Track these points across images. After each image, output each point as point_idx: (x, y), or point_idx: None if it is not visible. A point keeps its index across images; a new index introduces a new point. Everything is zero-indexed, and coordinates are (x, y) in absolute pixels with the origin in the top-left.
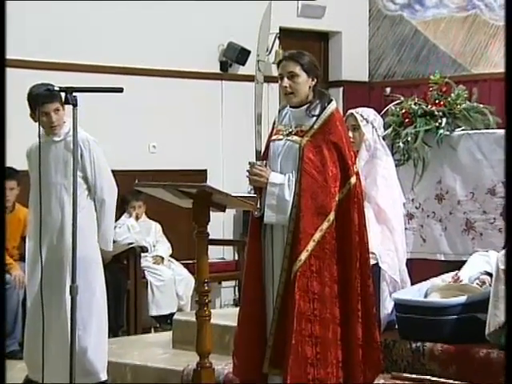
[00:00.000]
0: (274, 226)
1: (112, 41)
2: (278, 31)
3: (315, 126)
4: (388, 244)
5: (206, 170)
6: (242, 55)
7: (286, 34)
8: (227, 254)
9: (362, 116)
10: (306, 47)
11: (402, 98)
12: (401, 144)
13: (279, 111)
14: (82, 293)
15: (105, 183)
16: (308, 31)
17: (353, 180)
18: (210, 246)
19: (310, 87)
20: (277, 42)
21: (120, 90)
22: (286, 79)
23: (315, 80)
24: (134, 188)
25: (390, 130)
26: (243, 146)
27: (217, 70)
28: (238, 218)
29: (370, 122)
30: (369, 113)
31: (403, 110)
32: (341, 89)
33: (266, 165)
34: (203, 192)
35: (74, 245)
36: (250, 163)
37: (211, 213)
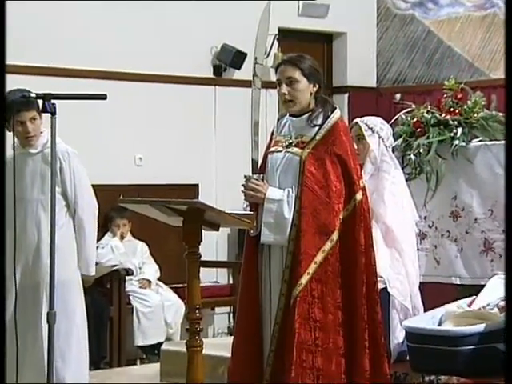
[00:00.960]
0: (271, 246)
1: (94, 43)
2: (276, 32)
3: (317, 137)
4: (397, 267)
5: (197, 185)
6: (237, 58)
7: (285, 35)
8: (221, 277)
9: (367, 125)
10: (308, 50)
11: (414, 106)
12: (412, 156)
13: (278, 120)
14: (61, 320)
15: (85, 199)
16: (310, 32)
17: (358, 196)
18: (202, 269)
19: (311, 94)
20: (275, 43)
21: (103, 97)
22: (284, 85)
23: (317, 86)
24: (118, 204)
25: (400, 140)
26: (238, 158)
27: (210, 74)
28: (232, 237)
29: (376, 131)
30: (375, 122)
31: (414, 119)
32: (346, 95)
33: (263, 179)
34: (194, 209)
35: (52, 267)
36: (245, 177)
37: (203, 232)
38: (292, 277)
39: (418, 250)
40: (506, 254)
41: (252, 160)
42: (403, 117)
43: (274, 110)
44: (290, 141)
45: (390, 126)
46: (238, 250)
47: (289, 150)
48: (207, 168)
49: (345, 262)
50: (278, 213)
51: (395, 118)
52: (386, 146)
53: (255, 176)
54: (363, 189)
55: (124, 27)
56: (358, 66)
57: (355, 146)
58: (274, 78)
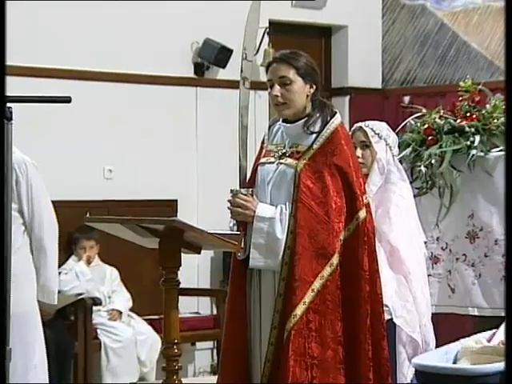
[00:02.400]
0: (262, 271)
1: (56, 39)
2: (266, 25)
3: (315, 146)
4: (404, 293)
5: (175, 201)
6: (221, 55)
7: (277, 29)
8: (203, 307)
9: (373, 130)
10: (303, 45)
11: (425, 110)
12: (422, 168)
13: (269, 127)
14: (17, 358)
15: (45, 218)
16: (305, 25)
17: (362, 214)
18: (181, 298)
19: (307, 96)
20: (266, 38)
21: (67, 100)
22: (277, 86)
23: (314, 87)
24: (83, 223)
25: (408, 150)
26: (224, 170)
27: (190, 73)
28: (216, 261)
29: (384, 138)
30: (381, 127)
31: (425, 126)
32: (347, 98)
33: (252, 194)
34: (172, 228)
35: (6, 296)
36: (232, 191)
37: (183, 255)
38: (285, 307)
39: (429, 275)
40: (506, 256)
41: (239, 172)
42: (412, 123)
43: (264, 114)
44: (284, 150)
45: (397, 133)
46: (223, 276)
47: (282, 160)
48: (188, 181)
49: (346, 290)
50: (270, 233)
51: (403, 124)
52: (393, 155)
53: (243, 190)
54: (367, 205)
55: (91, 20)
56: (361, 64)
57: (359, 155)
58: (263, 77)
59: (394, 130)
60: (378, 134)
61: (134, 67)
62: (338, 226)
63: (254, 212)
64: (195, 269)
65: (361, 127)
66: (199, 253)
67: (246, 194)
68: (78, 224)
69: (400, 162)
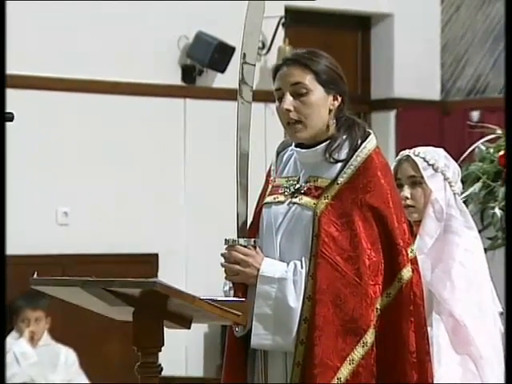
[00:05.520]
0: (268, 353)
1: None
2: (282, 14)
3: (340, 180)
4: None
5: (156, 255)
6: (219, 55)
7: (296, 19)
8: None
9: (425, 160)
10: (332, 42)
11: (500, 132)
12: (497, 210)
13: (277, 154)
14: None
15: None
16: (334, 14)
17: (406, 273)
18: None
19: (330, 111)
20: (281, 31)
21: (9, 119)
22: (288, 97)
23: (339, 99)
24: (29, 287)
25: (477, 186)
26: (218, 212)
27: (177, 80)
28: (212, 339)
29: (441, 170)
30: (437, 155)
31: (501, 152)
32: (392, 113)
33: (255, 245)
34: (152, 294)
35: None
36: (227, 242)
37: (167, 331)
38: None
39: None
40: (506, 256)
41: (237, 217)
42: (483, 148)
43: (276, 135)
44: (298, 186)
45: (461, 163)
46: (220, 358)
47: (295, 200)
48: (172, 229)
49: (385, 379)
50: (279, 299)
51: (470, 149)
52: (455, 194)
53: (242, 241)
54: (413, 261)
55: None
56: (412, 67)
57: (407, 195)
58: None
59: (456, 159)
60: (433, 166)
61: (96, 72)
62: (373, 289)
63: (258, 270)
64: (183, 350)
65: (409, 156)
66: (189, 327)
67: (246, 246)
68: (21, 288)
69: (465, 202)
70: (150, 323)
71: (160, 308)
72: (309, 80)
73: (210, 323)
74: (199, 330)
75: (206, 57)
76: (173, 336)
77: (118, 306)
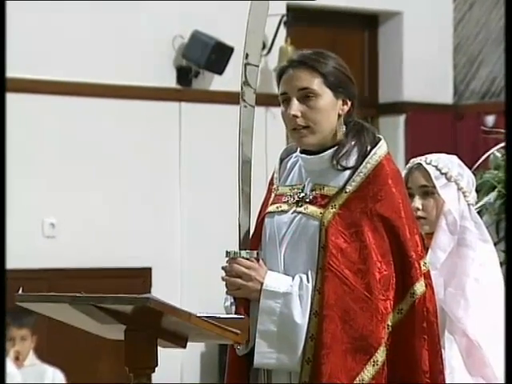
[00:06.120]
0: (272, 373)
1: None
2: (284, 12)
3: (349, 188)
4: None
5: (149, 269)
6: (217, 55)
7: (298, 18)
8: None
9: (437, 169)
10: (337, 41)
11: None
12: None
13: (281, 161)
14: None
15: None
16: (340, 12)
17: (419, 288)
18: None
19: (339, 116)
20: (282, 31)
21: None
22: (295, 102)
23: (348, 103)
24: (14, 304)
25: (493, 195)
26: (217, 223)
27: (171, 82)
28: (209, 358)
29: (454, 179)
30: (450, 164)
31: None
32: (401, 118)
33: (257, 258)
34: (145, 310)
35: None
36: (228, 254)
37: (161, 350)
38: None
39: None
40: (506, 256)
41: (239, 228)
42: (498, 155)
43: (280, 142)
44: (303, 194)
45: (475, 171)
46: (220, 379)
47: (300, 209)
48: (167, 241)
49: None
50: (284, 315)
51: (485, 156)
52: (469, 205)
53: (245, 253)
54: (427, 275)
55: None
56: (422, 68)
57: (418, 206)
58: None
59: (470, 167)
60: (446, 174)
61: (87, 74)
62: (383, 305)
63: (261, 284)
64: (178, 370)
65: (420, 165)
66: (184, 347)
67: (248, 259)
68: (6, 305)
69: (479, 213)
70: (143, 342)
71: (154, 326)
72: (317, 84)
73: (206, 342)
74: (195, 349)
75: (202, 58)
76: (167, 355)
77: (108, 323)
